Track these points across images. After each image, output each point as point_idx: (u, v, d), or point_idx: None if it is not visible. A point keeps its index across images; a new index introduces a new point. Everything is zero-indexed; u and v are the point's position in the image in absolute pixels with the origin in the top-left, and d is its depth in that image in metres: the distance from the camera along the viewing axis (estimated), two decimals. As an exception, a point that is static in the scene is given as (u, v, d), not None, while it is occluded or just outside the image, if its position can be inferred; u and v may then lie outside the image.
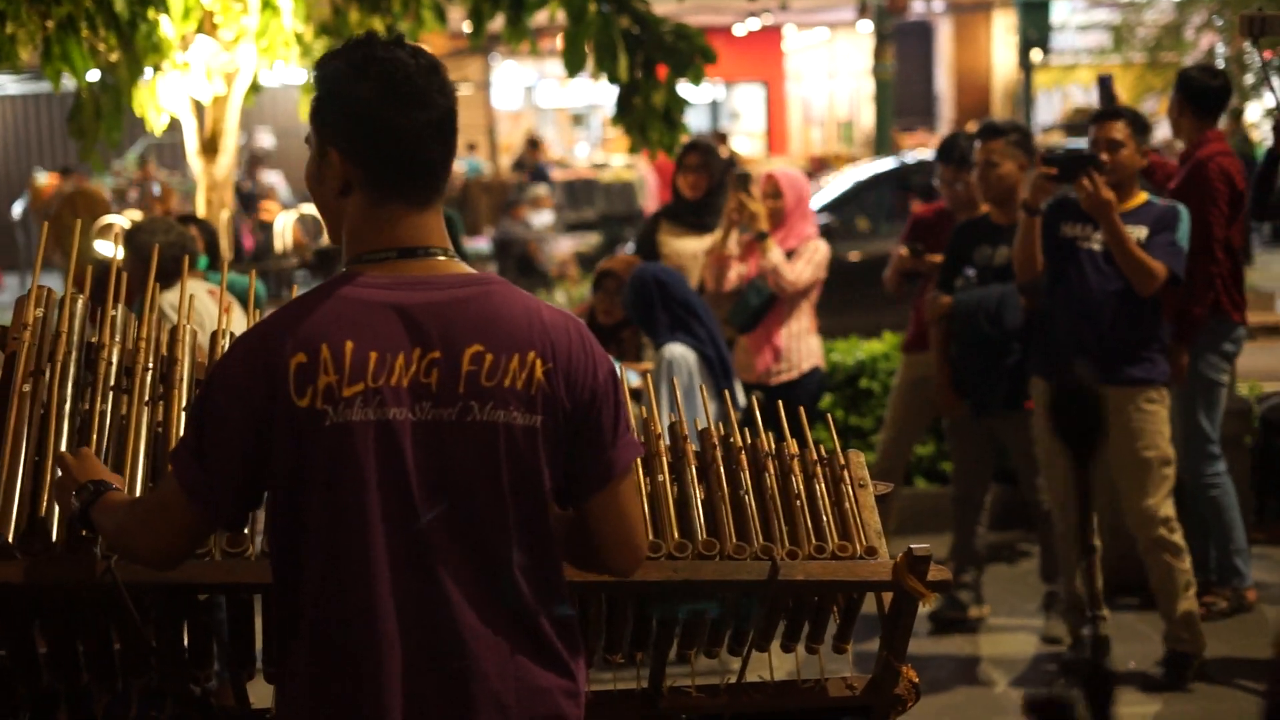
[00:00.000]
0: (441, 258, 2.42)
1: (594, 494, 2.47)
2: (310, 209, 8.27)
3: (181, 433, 2.79)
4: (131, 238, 5.48)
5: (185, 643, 2.79)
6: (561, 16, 7.59)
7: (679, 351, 5.95)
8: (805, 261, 6.79)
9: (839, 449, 3.20)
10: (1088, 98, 25.47)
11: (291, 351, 2.29)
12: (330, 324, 2.32)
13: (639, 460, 3.04)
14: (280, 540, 2.40)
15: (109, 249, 6.45)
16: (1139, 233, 5.62)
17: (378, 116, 2.36)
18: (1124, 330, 5.69)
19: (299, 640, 2.37)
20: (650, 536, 2.91)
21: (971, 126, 17.58)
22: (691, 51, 7.65)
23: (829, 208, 12.10)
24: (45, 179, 19.26)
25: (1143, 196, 5.76)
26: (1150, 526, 5.70)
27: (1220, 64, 14.75)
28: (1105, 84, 7.00)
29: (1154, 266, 5.55)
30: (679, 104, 7.81)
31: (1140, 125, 6.00)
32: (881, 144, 17.15)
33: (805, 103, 32.39)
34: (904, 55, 23.50)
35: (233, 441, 2.32)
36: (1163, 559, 5.71)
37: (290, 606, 2.39)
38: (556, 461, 2.42)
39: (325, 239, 7.99)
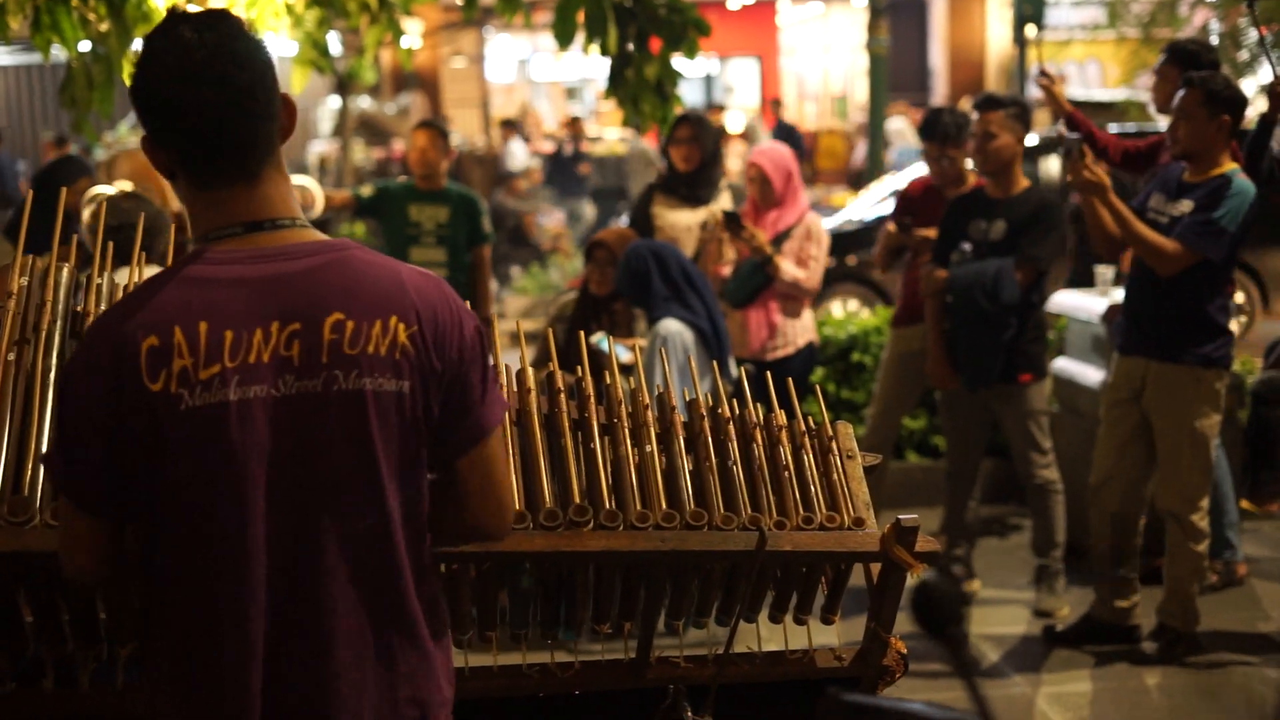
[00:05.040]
0: (289, 228, 2.35)
1: (465, 453, 2.40)
2: (302, 180, 8.24)
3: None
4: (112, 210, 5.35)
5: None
6: (554, -12, 7.55)
7: (674, 328, 5.93)
8: (815, 260, 6.88)
9: (827, 420, 3.19)
10: (1081, 73, 25.43)
11: (143, 335, 2.22)
12: (182, 305, 2.24)
13: (627, 432, 3.04)
14: (140, 529, 2.33)
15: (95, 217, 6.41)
16: (1185, 207, 5.56)
17: (156, 94, 2.29)
18: (1174, 308, 5.62)
19: (161, 628, 2.33)
20: (638, 507, 2.91)
21: (964, 103, 17.53)
22: (685, 24, 7.60)
23: None
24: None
25: (1223, 168, 5.58)
26: (1181, 504, 5.71)
27: (1215, 40, 14.71)
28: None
29: (1160, 244, 5.47)
30: (672, 77, 7.77)
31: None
32: (875, 119, 17.07)
33: (799, 77, 32.31)
34: (898, 30, 23.41)
35: (93, 429, 2.24)
36: (1182, 538, 5.72)
37: (153, 594, 2.34)
38: (428, 425, 2.35)
39: (318, 209, 7.96)
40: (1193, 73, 5.69)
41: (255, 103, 2.30)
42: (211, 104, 2.27)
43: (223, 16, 2.33)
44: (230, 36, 2.30)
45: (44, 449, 2.63)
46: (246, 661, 2.27)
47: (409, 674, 2.37)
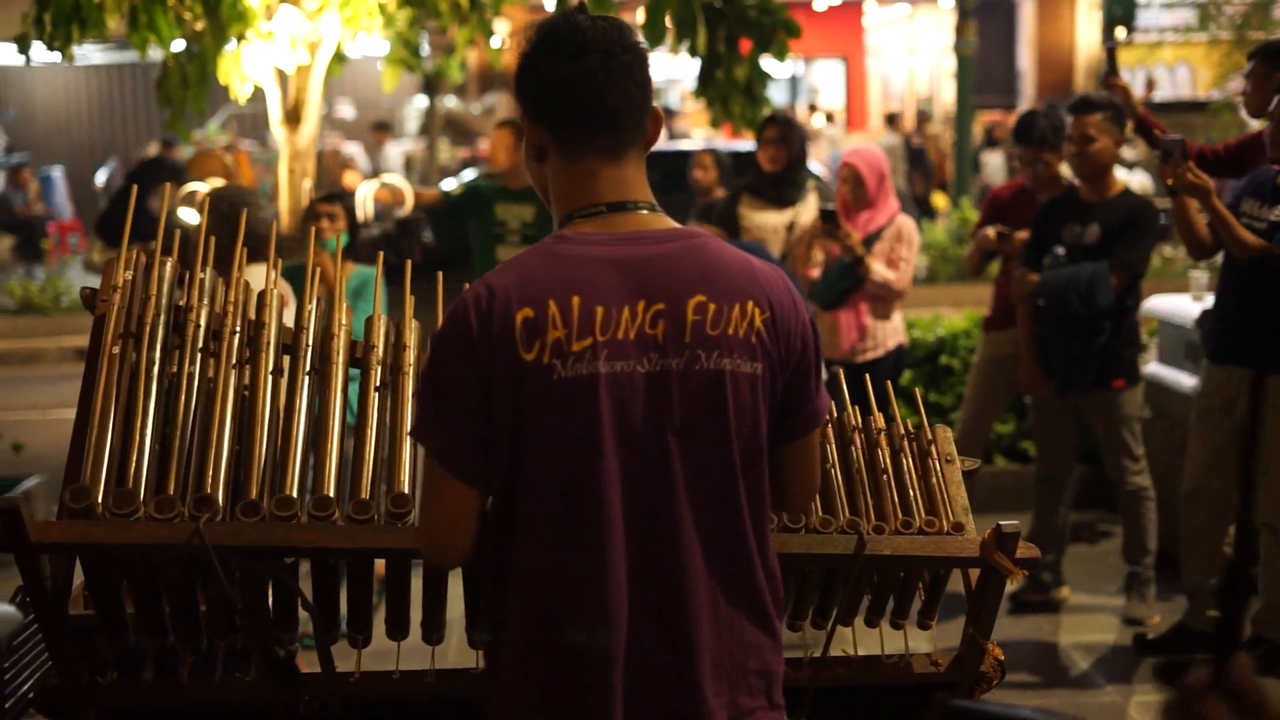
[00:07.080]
0: (648, 212, 2.45)
1: (795, 440, 2.52)
2: (391, 178, 8.30)
3: (414, 410, 2.79)
4: (215, 205, 5.39)
5: (270, 605, 2.79)
6: (644, -11, 7.56)
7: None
8: (905, 261, 6.85)
9: (926, 423, 3.17)
10: (1171, 76, 25.12)
11: (517, 307, 2.31)
12: (554, 280, 2.33)
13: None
14: (501, 498, 2.40)
15: (193, 215, 6.49)
16: None
17: (543, 68, 2.41)
18: (1270, 315, 5.50)
19: (517, 596, 2.38)
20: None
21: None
22: (774, 26, 7.61)
23: None
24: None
25: None
26: (1277, 516, 5.59)
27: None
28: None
29: (1264, 250, 5.39)
30: (762, 78, 7.77)
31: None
32: (962, 121, 16.97)
33: (885, 79, 32.18)
34: (986, 31, 23.25)
35: (470, 400, 2.32)
36: (1278, 549, 5.61)
37: (509, 564, 2.40)
38: (770, 409, 2.45)
39: (407, 208, 8.00)
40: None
41: (633, 82, 2.41)
42: (595, 70, 2.38)
43: (608, 16, 2.46)
44: (621, 28, 2.43)
45: (411, 425, 2.72)
46: (609, 626, 2.34)
47: (757, 646, 2.46)
